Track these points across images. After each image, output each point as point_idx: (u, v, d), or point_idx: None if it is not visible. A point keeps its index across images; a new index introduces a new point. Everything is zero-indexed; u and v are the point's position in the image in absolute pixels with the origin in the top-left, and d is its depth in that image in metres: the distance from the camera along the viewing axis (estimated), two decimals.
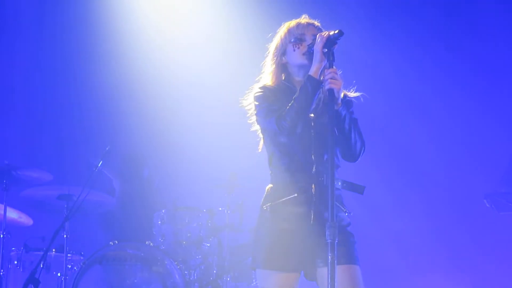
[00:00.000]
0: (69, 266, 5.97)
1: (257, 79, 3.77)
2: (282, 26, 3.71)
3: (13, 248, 6.05)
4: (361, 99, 3.70)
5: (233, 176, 6.64)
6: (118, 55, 7.58)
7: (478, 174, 7.37)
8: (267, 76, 3.71)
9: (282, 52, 3.66)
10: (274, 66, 3.68)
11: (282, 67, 3.67)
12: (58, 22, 7.64)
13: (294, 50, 3.60)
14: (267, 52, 3.75)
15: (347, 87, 3.68)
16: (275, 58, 3.67)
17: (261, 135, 3.71)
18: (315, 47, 3.44)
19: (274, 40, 3.71)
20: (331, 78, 3.37)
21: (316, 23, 3.68)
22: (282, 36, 3.66)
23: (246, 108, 3.73)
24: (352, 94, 3.68)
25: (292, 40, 3.62)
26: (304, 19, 3.69)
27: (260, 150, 3.74)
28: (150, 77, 7.66)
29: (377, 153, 6.73)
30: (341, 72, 3.54)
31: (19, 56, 7.60)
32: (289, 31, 3.65)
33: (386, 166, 7.42)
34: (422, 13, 7.61)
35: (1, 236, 5.88)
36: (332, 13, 6.90)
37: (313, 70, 3.44)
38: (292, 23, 3.68)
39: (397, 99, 7.49)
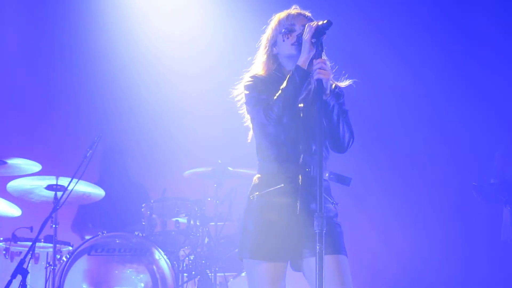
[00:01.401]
0: (58, 257, 5.95)
1: (248, 69, 3.77)
2: (273, 17, 3.72)
3: (1, 239, 6.02)
4: (353, 85, 3.69)
5: (222, 166, 6.63)
6: (108, 47, 7.56)
7: (467, 165, 7.40)
8: (258, 66, 3.72)
9: (273, 43, 3.67)
10: (265, 56, 3.69)
11: (273, 57, 3.68)
12: (50, 17, 7.60)
13: (284, 41, 3.61)
14: (258, 43, 3.76)
15: (337, 78, 3.69)
16: (266, 48, 3.69)
17: (250, 125, 3.71)
18: (303, 37, 3.45)
19: (266, 31, 3.72)
20: (319, 68, 3.38)
21: (307, 13, 3.68)
22: (273, 27, 3.67)
23: (236, 98, 3.74)
24: (343, 84, 3.68)
25: (282, 31, 3.63)
26: (294, 9, 3.69)
27: (249, 141, 3.74)
28: (138, 69, 7.65)
29: (366, 144, 6.76)
30: (333, 63, 3.56)
31: (9, 46, 7.56)
32: (280, 22, 3.65)
33: (375, 158, 7.44)
34: (415, 7, 7.62)
35: None
36: (322, 4, 6.90)
37: (302, 61, 3.45)
38: (283, 14, 3.68)
39: (388, 91, 7.50)
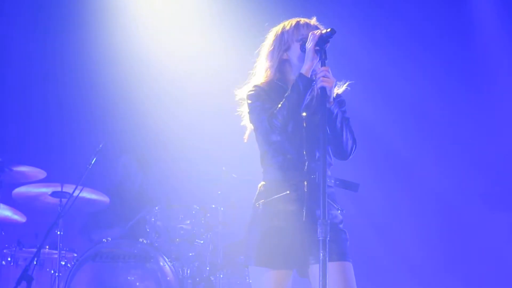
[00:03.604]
0: (63, 263, 5.97)
1: (252, 71, 3.74)
2: (289, 20, 3.67)
3: (6, 245, 6.04)
4: (349, 90, 3.68)
5: (227, 173, 6.65)
6: (113, 53, 7.57)
7: (472, 173, 7.40)
8: (263, 65, 3.67)
9: (286, 48, 3.62)
10: (274, 60, 3.63)
11: (280, 63, 3.64)
12: (53, 19, 7.62)
13: (303, 51, 3.53)
14: (262, 44, 3.71)
15: (336, 84, 3.67)
16: (278, 52, 3.62)
17: (248, 126, 3.70)
18: (307, 45, 3.45)
19: (277, 32, 3.66)
20: (323, 76, 3.39)
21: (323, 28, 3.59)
22: (290, 32, 3.62)
23: (239, 98, 3.73)
24: (340, 90, 3.67)
25: (299, 39, 3.58)
26: (313, 21, 3.65)
27: (245, 141, 3.74)
28: (144, 75, 7.66)
29: (369, 151, 6.76)
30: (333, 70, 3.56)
31: (13, 52, 7.58)
32: (298, 29, 3.61)
33: (379, 164, 7.44)
34: (415, 13, 7.64)
35: None
36: (325, 11, 6.92)
37: (305, 69, 3.46)
38: (302, 20, 3.64)
39: (391, 97, 7.50)
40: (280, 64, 3.64)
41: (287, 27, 3.63)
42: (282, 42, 3.63)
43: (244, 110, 3.70)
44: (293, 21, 3.65)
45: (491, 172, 7.27)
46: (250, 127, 3.71)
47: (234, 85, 3.79)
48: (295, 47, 3.59)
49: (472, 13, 7.57)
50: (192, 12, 7.67)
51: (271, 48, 3.65)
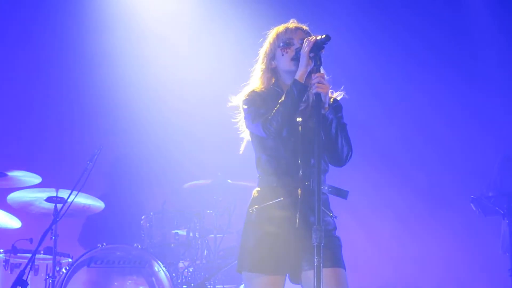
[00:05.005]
0: (57, 269, 5.96)
1: (246, 83, 3.78)
2: (271, 31, 3.73)
3: (1, 250, 6.03)
4: (346, 95, 3.71)
5: (222, 179, 6.65)
6: (108, 58, 7.57)
7: (465, 178, 7.41)
8: (256, 80, 3.72)
9: (271, 57, 3.67)
10: (263, 70, 3.69)
11: (271, 71, 3.69)
12: (49, 22, 7.61)
13: (283, 55, 3.62)
14: (256, 58, 3.76)
15: (334, 90, 3.69)
16: (264, 62, 3.69)
17: (245, 137, 3.73)
18: (301, 51, 3.47)
19: (264, 45, 3.73)
20: (318, 83, 3.40)
21: (305, 27, 3.69)
22: (271, 41, 3.68)
23: (233, 104, 3.75)
24: (335, 95, 3.69)
25: (280, 45, 3.63)
26: (292, 23, 3.70)
27: (241, 152, 3.76)
28: (140, 81, 7.66)
29: (364, 156, 6.76)
30: (330, 76, 3.58)
31: (8, 56, 7.57)
32: (278, 36, 3.66)
33: (374, 170, 7.44)
34: (410, 17, 7.66)
35: None
36: (320, 17, 6.95)
37: (299, 74, 3.47)
38: (281, 27, 3.69)
39: (385, 102, 7.52)
40: (271, 72, 3.69)
41: (270, 37, 3.70)
42: (268, 52, 3.69)
43: (241, 118, 3.72)
44: (274, 30, 3.72)
45: (485, 175, 7.28)
46: (247, 139, 3.74)
47: (230, 91, 3.80)
48: (279, 54, 3.64)
49: (470, 16, 7.60)
50: (189, 16, 7.68)
51: (262, 56, 3.72)
